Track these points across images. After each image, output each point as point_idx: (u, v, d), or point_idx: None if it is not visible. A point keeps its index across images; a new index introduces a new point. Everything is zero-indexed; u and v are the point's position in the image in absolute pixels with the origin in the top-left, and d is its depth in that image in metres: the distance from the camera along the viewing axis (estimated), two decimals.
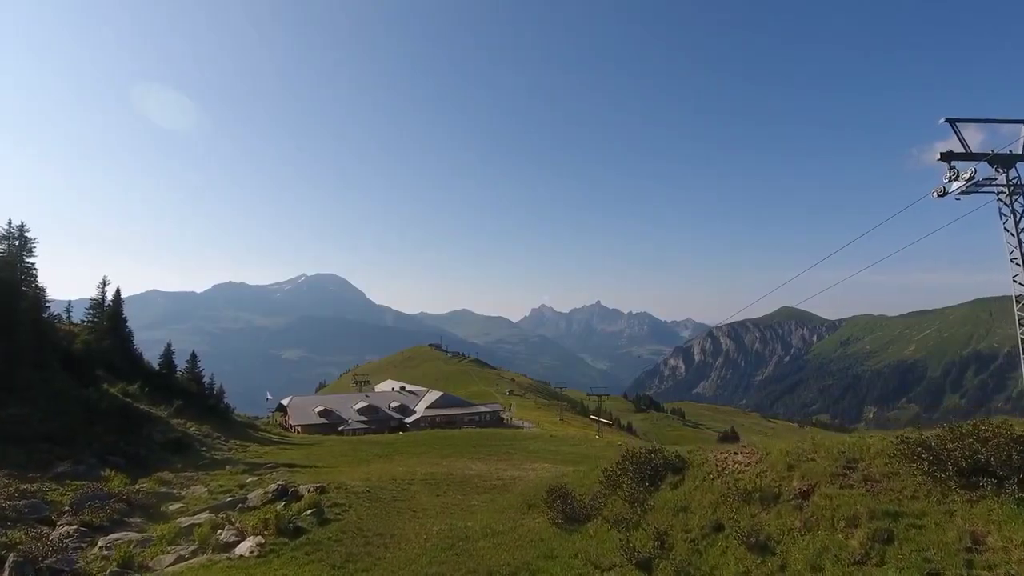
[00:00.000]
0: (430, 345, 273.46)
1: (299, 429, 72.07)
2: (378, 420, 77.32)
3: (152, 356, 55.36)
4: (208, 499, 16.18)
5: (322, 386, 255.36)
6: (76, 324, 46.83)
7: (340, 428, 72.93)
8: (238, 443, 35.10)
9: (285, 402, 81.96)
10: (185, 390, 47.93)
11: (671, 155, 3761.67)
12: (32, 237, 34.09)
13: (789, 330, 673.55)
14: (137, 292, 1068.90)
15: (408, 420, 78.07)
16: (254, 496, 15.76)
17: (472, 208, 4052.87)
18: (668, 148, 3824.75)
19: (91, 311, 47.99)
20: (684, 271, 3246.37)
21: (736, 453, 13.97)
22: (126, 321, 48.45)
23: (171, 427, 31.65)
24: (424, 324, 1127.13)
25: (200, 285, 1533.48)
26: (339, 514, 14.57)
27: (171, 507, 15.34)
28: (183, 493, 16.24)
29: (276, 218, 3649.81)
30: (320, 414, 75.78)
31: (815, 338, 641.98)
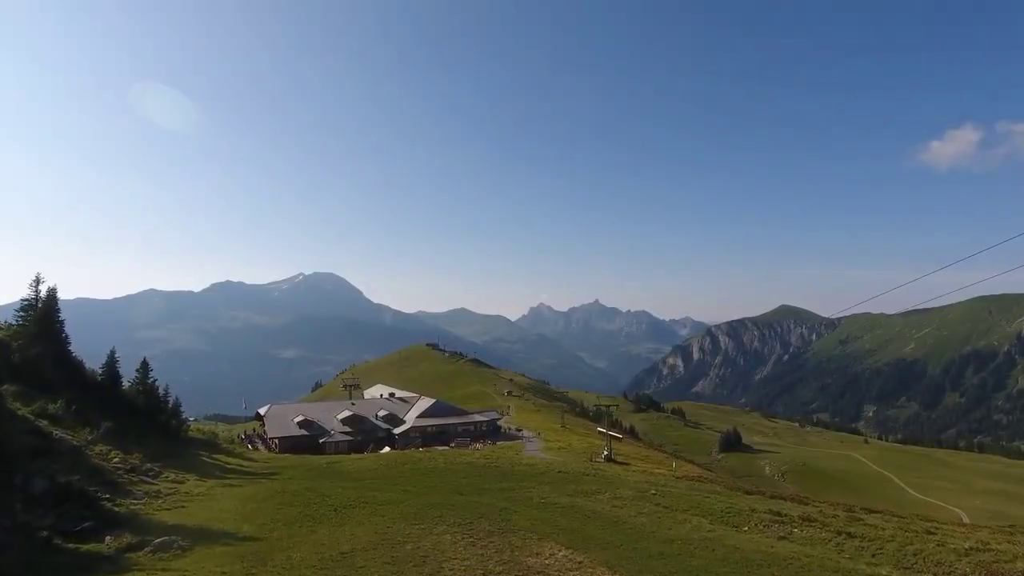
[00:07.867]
0: (427, 344, 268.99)
1: (276, 442, 65.55)
2: (364, 431, 70.76)
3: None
4: None
5: (318, 386, 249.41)
6: None
7: (322, 440, 66.45)
8: (173, 476, 28.58)
9: (263, 411, 74.71)
10: (131, 404, 41.53)
11: (670, 154, 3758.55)
12: None
13: (788, 328, 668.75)
14: (135, 291, 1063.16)
15: (397, 431, 71.53)
16: None
17: (470, 206, 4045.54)
18: (667, 147, 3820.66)
19: (22, 313, 41.41)
20: (683, 270, 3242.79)
21: None
22: (62, 324, 41.82)
23: (81, 461, 24.99)
24: (422, 323, 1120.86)
25: (198, 284, 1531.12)
26: None
27: None
28: None
29: (274, 217, 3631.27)
30: (300, 425, 69.08)
31: (814, 336, 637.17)
